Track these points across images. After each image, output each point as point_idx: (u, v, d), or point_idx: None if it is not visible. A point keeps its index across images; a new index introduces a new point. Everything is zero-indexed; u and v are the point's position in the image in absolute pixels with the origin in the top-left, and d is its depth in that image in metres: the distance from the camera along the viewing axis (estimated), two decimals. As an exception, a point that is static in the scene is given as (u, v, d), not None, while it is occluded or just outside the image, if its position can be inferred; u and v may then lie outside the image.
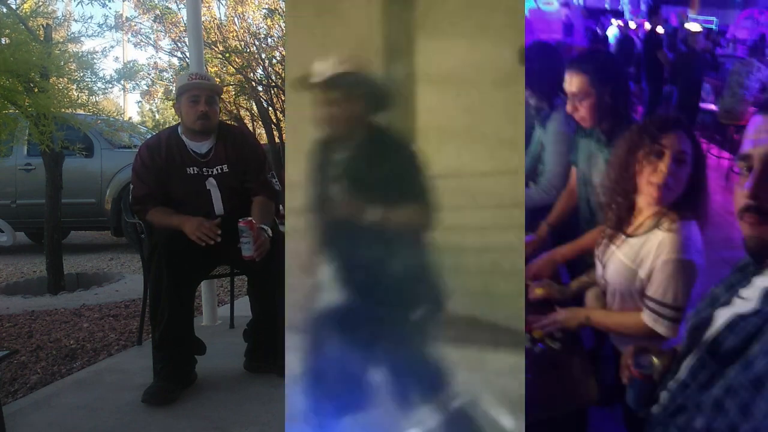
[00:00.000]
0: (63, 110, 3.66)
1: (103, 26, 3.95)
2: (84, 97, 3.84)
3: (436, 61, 1.31)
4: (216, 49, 8.65)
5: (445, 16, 1.27)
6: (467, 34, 1.25)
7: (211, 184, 2.33)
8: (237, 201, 2.33)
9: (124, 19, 8.37)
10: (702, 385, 0.90)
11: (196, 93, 2.30)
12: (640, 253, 1.43)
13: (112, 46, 4.53)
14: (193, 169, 2.32)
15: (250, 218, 2.14)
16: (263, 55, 8.86)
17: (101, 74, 3.86)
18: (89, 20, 3.90)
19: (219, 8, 9.05)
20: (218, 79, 9.54)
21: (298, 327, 1.19)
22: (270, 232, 2.21)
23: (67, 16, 4.95)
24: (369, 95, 1.16)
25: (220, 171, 2.34)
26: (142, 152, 2.37)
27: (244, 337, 2.45)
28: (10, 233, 4.11)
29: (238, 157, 2.37)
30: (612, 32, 9.16)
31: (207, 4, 8.51)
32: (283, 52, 8.32)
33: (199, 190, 2.32)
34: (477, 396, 1.12)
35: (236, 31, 8.81)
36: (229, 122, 7.42)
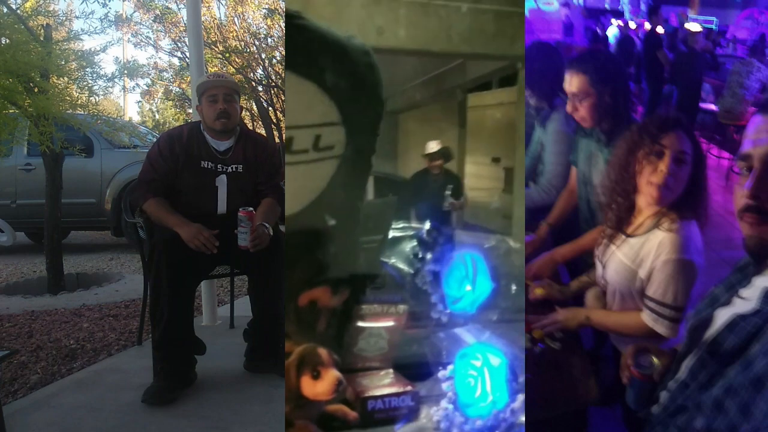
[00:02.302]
0: (63, 110, 3.66)
1: (104, 21, 3.94)
2: (84, 98, 3.84)
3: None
4: (216, 49, 8.65)
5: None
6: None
7: (221, 181, 2.34)
8: (242, 201, 2.33)
9: (124, 17, 8.37)
10: (702, 385, 0.90)
11: (214, 92, 2.32)
12: (640, 253, 1.43)
13: (111, 43, 4.55)
14: (208, 164, 2.34)
15: (251, 209, 2.15)
16: (263, 55, 8.86)
17: (102, 72, 3.86)
18: (90, 15, 3.89)
19: (219, 8, 9.04)
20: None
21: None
22: (270, 230, 2.22)
23: (69, 14, 4.93)
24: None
25: (234, 170, 2.36)
26: (161, 140, 2.40)
27: (245, 337, 2.45)
28: (10, 233, 4.11)
29: (255, 159, 2.40)
30: (612, 32, 9.16)
31: (207, 4, 8.50)
32: (283, 52, 8.32)
33: (208, 185, 2.33)
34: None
35: (236, 31, 8.81)
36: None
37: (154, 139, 7.01)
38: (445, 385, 0.68)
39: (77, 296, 3.96)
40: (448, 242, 0.88)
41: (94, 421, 1.95)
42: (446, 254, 0.81)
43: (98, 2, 3.89)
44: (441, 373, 0.70)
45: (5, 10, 3.54)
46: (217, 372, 2.33)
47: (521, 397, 0.66)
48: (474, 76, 1.45)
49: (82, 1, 3.88)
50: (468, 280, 0.82)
